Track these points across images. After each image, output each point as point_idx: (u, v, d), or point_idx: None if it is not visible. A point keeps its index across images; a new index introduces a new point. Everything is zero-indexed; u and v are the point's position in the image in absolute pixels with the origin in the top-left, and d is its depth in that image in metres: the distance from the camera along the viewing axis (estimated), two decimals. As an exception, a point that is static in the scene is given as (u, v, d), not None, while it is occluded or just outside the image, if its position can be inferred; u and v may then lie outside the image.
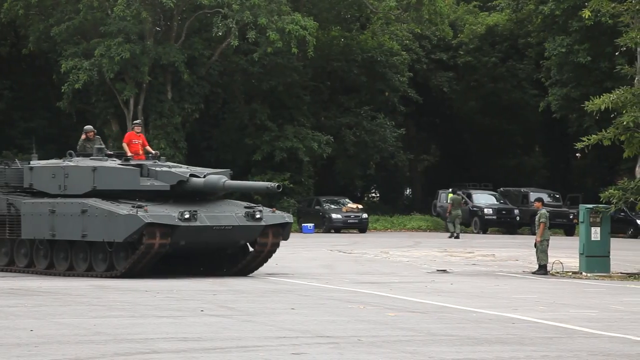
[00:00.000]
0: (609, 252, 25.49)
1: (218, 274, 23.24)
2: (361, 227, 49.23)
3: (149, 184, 22.78)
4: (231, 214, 22.72)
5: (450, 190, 48.56)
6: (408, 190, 69.78)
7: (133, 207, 21.75)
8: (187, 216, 21.78)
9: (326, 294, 18.88)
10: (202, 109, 51.26)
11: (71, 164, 23.50)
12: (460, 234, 44.32)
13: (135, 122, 26.46)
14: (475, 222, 50.39)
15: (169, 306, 16.49)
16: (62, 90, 48.12)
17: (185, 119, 50.16)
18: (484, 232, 50.00)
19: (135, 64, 47.57)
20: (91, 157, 23.67)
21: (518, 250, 34.23)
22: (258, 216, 22.67)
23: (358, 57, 55.33)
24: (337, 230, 49.16)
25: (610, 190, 25.64)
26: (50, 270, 23.32)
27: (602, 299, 18.91)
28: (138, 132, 25.54)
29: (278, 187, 23.00)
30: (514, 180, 58.61)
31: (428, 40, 59.20)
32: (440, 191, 53.24)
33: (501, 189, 53.00)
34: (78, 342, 12.06)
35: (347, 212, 49.15)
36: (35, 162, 24.31)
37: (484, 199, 51.17)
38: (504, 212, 50.33)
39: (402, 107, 57.71)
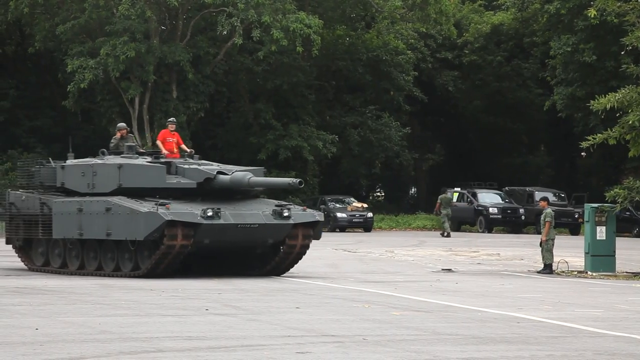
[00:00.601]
0: (615, 252, 25.47)
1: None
2: (366, 226, 49.24)
3: (175, 181, 22.37)
4: (258, 212, 22.17)
5: (442, 189, 48.95)
6: (413, 190, 69.80)
7: (156, 204, 21.33)
8: (210, 214, 21.30)
9: (331, 293, 18.88)
10: (207, 107, 51.31)
11: (99, 161, 23.18)
12: (451, 233, 45.00)
13: (169, 120, 25.66)
14: (481, 221, 50.38)
15: (174, 305, 16.49)
16: (68, 90, 48.17)
17: (190, 117, 50.21)
18: (489, 231, 50.00)
19: (141, 63, 47.62)
20: (122, 155, 23.30)
21: (523, 249, 34.20)
22: (286, 214, 22.13)
23: (363, 56, 55.34)
24: (342, 229, 49.16)
25: (615, 190, 25.61)
26: (81, 271, 22.95)
27: (608, 298, 18.89)
28: (172, 130, 24.82)
29: (300, 182, 22.24)
30: (519, 179, 58.63)
31: (433, 39, 59.21)
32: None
33: (506, 188, 52.99)
34: (83, 340, 12.07)
35: (352, 211, 49.16)
36: (69, 162, 24.06)
37: (489, 198, 51.16)
38: (509, 211, 50.31)
39: (407, 106, 57.70)
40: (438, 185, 57.88)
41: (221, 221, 21.45)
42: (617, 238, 26.01)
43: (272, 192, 43.88)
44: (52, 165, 24.23)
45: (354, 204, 50.14)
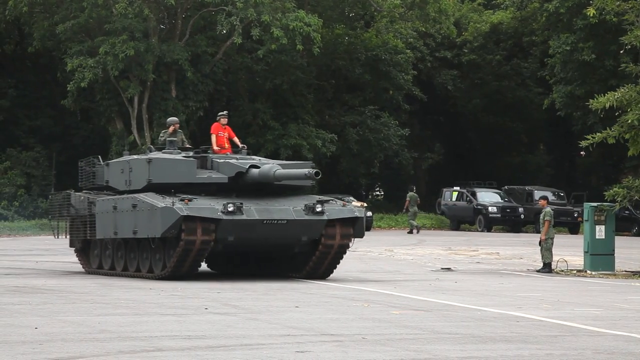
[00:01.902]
0: (614, 250, 25.49)
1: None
2: (365, 225, 49.11)
3: (205, 176, 21.21)
4: (288, 207, 20.81)
5: (409, 187, 49.54)
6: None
7: (175, 199, 20.24)
8: (231, 209, 20.08)
9: (330, 292, 18.86)
10: (206, 107, 51.31)
11: (135, 157, 22.28)
12: (419, 230, 46.24)
13: (221, 113, 23.77)
14: (480, 220, 50.39)
15: (173, 304, 16.48)
16: (68, 89, 48.16)
17: (189, 117, 50.19)
18: (489, 230, 50.00)
19: (140, 62, 47.59)
20: (163, 151, 22.22)
21: (522, 248, 34.21)
22: (319, 209, 20.74)
23: (362, 56, 55.31)
24: (342, 228, 49.08)
25: (614, 189, 25.63)
26: (125, 272, 22.14)
27: (607, 297, 18.89)
28: (224, 124, 23.24)
29: (316, 173, 20.40)
30: (518, 178, 58.64)
31: (432, 38, 59.21)
32: (445, 189, 53.27)
33: (505, 187, 53.01)
34: (82, 339, 12.06)
35: (351, 210, 49.10)
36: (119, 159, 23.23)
37: (488, 197, 51.19)
38: (508, 210, 50.34)
39: (406, 106, 57.70)
40: (437, 185, 57.91)
41: (244, 217, 20.26)
42: (616, 237, 26.04)
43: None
44: (100, 163, 23.48)
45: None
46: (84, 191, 24.24)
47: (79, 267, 25.29)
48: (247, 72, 53.01)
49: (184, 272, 20.80)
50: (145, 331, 12.87)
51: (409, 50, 56.38)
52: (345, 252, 21.68)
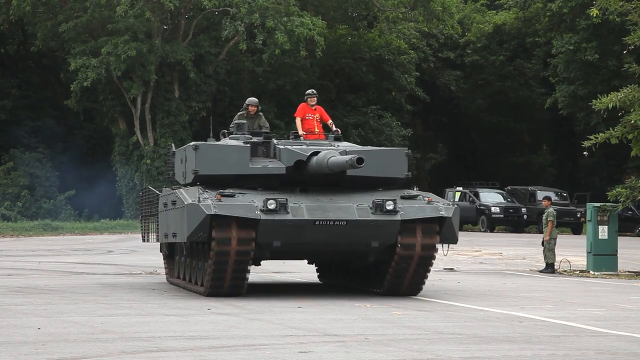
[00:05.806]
0: (617, 251, 25.47)
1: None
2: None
3: (260, 166, 17.37)
4: (351, 205, 16.78)
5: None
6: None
7: (203, 194, 16.57)
8: (272, 206, 16.24)
9: (333, 293, 18.85)
10: (209, 107, 51.36)
11: (192, 144, 18.17)
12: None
13: (308, 92, 19.87)
14: (483, 221, 50.38)
15: (176, 304, 16.48)
16: (71, 89, 48.20)
17: (192, 117, 50.24)
18: (491, 231, 49.99)
19: (143, 62, 47.63)
20: (230, 137, 18.55)
21: (525, 248, 34.19)
22: (390, 208, 16.72)
23: (365, 56, 55.33)
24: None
25: (617, 189, 25.62)
26: (187, 284, 18.68)
27: (610, 297, 18.87)
28: (313, 105, 19.46)
29: (358, 160, 16.22)
30: (521, 178, 58.65)
31: (435, 38, 59.24)
32: (448, 190, 53.22)
33: (508, 187, 53.03)
34: (85, 340, 12.07)
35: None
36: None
37: (491, 198, 51.19)
38: (511, 210, 50.33)
39: (409, 106, 57.71)
40: (440, 185, 57.87)
41: (289, 216, 16.37)
42: (619, 237, 26.02)
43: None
44: (173, 151, 19.95)
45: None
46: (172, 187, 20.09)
47: (80, 267, 25.29)
48: (250, 72, 53.04)
49: (227, 287, 17.08)
50: (148, 331, 12.87)
51: (412, 51, 56.38)
52: (431, 261, 17.46)
